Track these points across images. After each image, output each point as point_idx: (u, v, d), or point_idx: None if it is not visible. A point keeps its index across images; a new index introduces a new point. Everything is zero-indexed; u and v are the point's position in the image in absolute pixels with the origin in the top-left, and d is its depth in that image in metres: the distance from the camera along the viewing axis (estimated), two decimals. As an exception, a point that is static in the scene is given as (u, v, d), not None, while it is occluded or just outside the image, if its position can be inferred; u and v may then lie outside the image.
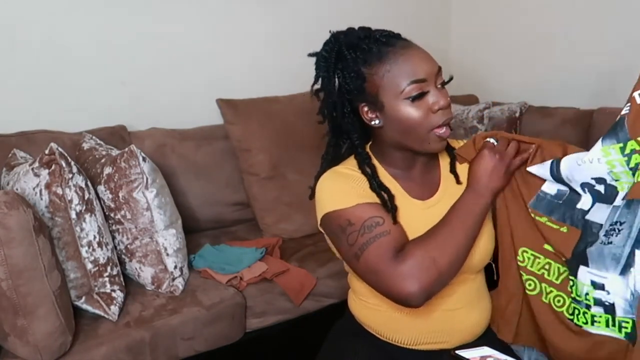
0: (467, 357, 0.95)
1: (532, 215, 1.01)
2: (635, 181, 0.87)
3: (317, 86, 1.05)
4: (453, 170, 1.09)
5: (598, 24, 2.59)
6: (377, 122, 1.01)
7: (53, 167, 1.42)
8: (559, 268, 1.01)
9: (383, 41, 0.98)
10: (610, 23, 2.55)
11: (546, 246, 1.02)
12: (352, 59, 0.99)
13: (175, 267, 1.64)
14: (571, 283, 0.98)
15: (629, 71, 2.52)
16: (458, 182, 1.08)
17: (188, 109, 2.28)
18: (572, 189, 0.98)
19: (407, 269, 0.89)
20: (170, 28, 2.22)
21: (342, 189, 1.02)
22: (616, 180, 0.91)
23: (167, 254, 1.63)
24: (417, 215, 1.03)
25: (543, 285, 1.03)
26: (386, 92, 0.97)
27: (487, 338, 1.10)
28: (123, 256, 1.64)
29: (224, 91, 2.29)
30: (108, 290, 1.52)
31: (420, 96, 0.96)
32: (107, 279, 1.52)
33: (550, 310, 1.02)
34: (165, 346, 1.50)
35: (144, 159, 1.59)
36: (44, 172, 1.42)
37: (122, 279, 1.58)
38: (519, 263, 1.05)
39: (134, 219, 1.59)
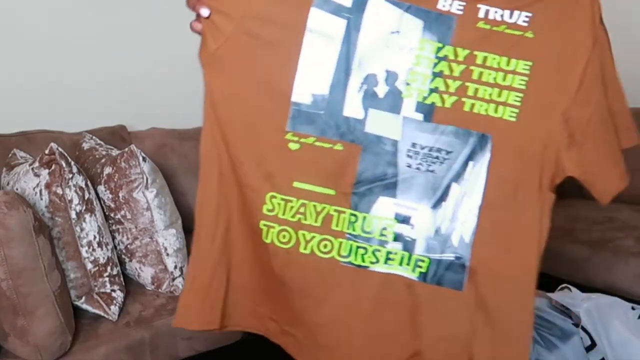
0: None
1: (292, 141, 0.84)
2: (441, 105, 0.81)
3: None
4: None
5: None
6: None
7: (53, 167, 1.42)
8: (315, 206, 0.85)
9: None
10: (610, 23, 2.55)
11: (296, 184, 0.85)
12: None
13: (176, 267, 1.64)
14: (350, 219, 0.85)
15: (629, 71, 2.52)
16: None
17: (188, 109, 2.28)
18: (336, 89, 0.83)
19: None
20: (171, 28, 2.22)
21: None
22: (408, 84, 0.82)
23: (167, 254, 1.63)
24: None
25: (301, 232, 0.86)
26: None
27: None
28: (123, 256, 1.64)
29: (224, 91, 2.29)
30: (108, 290, 1.52)
31: None
32: (107, 279, 1.52)
33: (307, 263, 0.86)
34: (165, 346, 1.50)
35: (144, 159, 1.59)
36: (44, 172, 1.42)
37: (122, 279, 1.58)
38: (267, 213, 0.86)
39: (134, 219, 1.59)
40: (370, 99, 0.83)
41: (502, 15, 0.81)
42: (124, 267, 1.66)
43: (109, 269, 1.52)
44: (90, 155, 1.73)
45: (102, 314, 1.47)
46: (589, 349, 1.30)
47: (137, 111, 2.16)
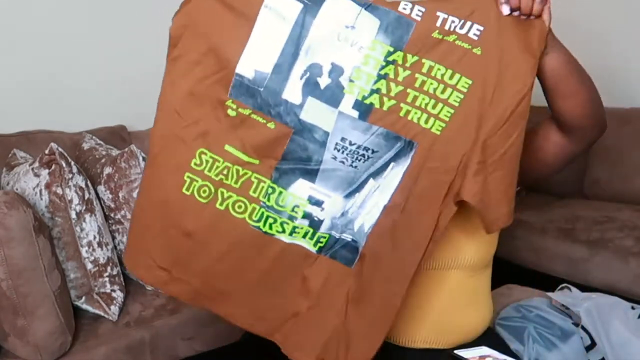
0: (465, 357, 0.96)
1: (231, 108, 0.88)
2: (379, 107, 0.84)
3: None
4: None
5: (598, 24, 2.59)
6: None
7: (53, 167, 1.42)
8: (238, 170, 0.90)
9: None
10: (610, 23, 2.55)
11: (227, 147, 0.89)
12: None
13: (175, 267, 1.64)
14: (268, 190, 0.90)
15: (629, 71, 2.53)
16: None
17: (188, 109, 2.29)
18: (279, 70, 0.85)
19: None
20: (170, 28, 2.22)
21: None
22: (351, 81, 0.84)
23: (167, 254, 1.63)
24: None
25: (220, 190, 0.90)
26: None
27: (486, 338, 1.10)
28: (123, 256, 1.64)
29: (224, 91, 2.30)
30: (108, 290, 1.52)
31: None
32: (107, 279, 1.52)
33: (220, 218, 0.91)
34: (165, 346, 1.50)
35: (144, 159, 1.59)
36: (44, 172, 1.42)
37: (122, 279, 1.58)
38: (194, 167, 0.91)
39: (134, 219, 1.59)
40: (311, 87, 0.85)
41: (456, 25, 0.82)
42: (124, 267, 1.66)
43: (109, 269, 1.52)
44: (90, 155, 1.73)
45: (102, 314, 1.47)
46: (589, 348, 1.30)
47: (137, 111, 2.15)
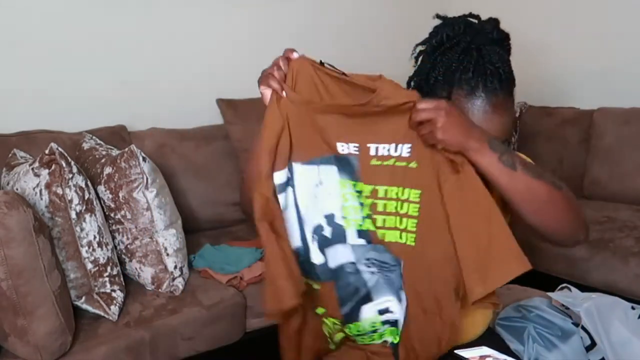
0: (466, 356, 0.95)
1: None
2: (374, 230, 0.92)
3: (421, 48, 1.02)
4: None
5: (598, 24, 2.59)
6: None
7: (53, 167, 1.42)
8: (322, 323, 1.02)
9: (489, 88, 0.92)
10: (610, 23, 2.55)
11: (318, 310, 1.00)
12: (458, 66, 0.94)
13: (175, 267, 1.64)
14: (345, 329, 1.00)
15: (629, 71, 2.53)
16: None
17: (188, 109, 2.28)
18: (304, 245, 0.95)
19: None
20: (171, 28, 2.22)
21: None
22: (344, 218, 0.93)
23: (167, 254, 1.63)
24: None
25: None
26: None
27: (486, 338, 1.10)
28: (123, 256, 1.64)
29: (224, 91, 2.30)
30: (108, 290, 1.52)
31: None
32: (107, 279, 1.52)
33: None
34: (165, 346, 1.50)
35: (144, 159, 1.59)
36: (44, 172, 1.42)
37: (122, 279, 1.58)
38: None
39: (134, 219, 1.59)
40: (323, 243, 0.94)
41: (389, 150, 0.91)
42: (124, 267, 1.66)
43: (109, 269, 1.52)
44: (90, 155, 1.73)
45: (102, 314, 1.47)
46: (589, 348, 1.30)
47: (137, 111, 2.16)
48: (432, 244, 0.91)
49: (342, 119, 0.90)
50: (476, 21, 0.99)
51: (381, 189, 0.92)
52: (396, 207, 0.92)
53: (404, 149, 0.90)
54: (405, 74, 1.05)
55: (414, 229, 0.92)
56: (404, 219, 0.92)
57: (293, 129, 0.90)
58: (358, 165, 0.92)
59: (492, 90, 0.92)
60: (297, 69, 0.91)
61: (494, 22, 0.98)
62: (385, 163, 0.91)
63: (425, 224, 0.91)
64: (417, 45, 1.03)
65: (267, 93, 0.91)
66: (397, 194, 0.92)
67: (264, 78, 0.91)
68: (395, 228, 0.93)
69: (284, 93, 0.90)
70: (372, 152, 0.91)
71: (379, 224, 0.93)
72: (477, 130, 0.87)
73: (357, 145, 0.92)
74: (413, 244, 0.92)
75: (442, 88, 0.95)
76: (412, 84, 1.02)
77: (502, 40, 0.97)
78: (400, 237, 0.93)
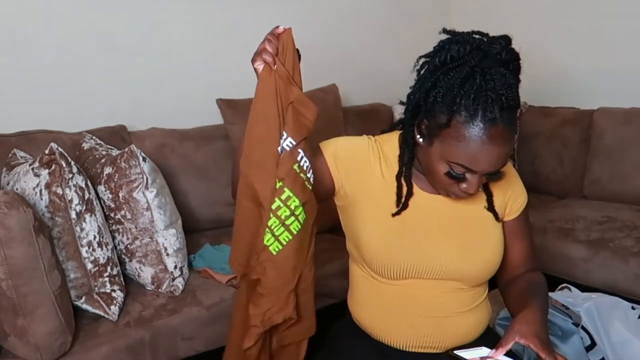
0: (465, 357, 0.95)
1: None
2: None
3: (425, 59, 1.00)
4: (491, 208, 1.09)
5: (598, 24, 2.59)
6: (420, 140, 1.00)
7: (53, 167, 1.42)
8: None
9: (488, 117, 0.89)
10: (610, 23, 2.55)
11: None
12: (459, 90, 0.90)
13: (175, 267, 1.64)
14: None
15: (629, 71, 2.53)
16: (497, 219, 1.10)
17: (188, 109, 2.28)
18: None
19: None
20: (171, 28, 2.22)
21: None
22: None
23: (167, 254, 1.63)
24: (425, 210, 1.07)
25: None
26: (443, 141, 0.94)
27: (486, 338, 1.10)
28: (123, 256, 1.64)
29: (224, 91, 2.29)
30: (108, 290, 1.52)
31: (459, 175, 0.96)
32: (107, 279, 1.52)
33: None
34: (165, 346, 1.50)
35: (144, 159, 1.59)
36: (44, 172, 1.42)
37: (122, 279, 1.58)
38: None
39: (134, 219, 1.59)
40: None
41: (308, 167, 0.96)
42: (124, 267, 1.66)
43: (109, 269, 1.52)
44: (90, 155, 1.73)
45: (102, 314, 1.47)
46: (589, 348, 1.30)
47: (137, 111, 2.16)
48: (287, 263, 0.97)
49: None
50: (485, 39, 0.94)
51: (286, 192, 0.94)
52: (286, 216, 0.95)
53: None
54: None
55: (285, 242, 0.96)
56: (282, 229, 0.95)
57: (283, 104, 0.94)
58: (280, 158, 0.94)
59: (491, 120, 0.89)
60: (285, 44, 0.94)
61: (504, 41, 0.93)
62: (302, 175, 0.94)
63: (295, 246, 0.98)
64: (420, 57, 1.00)
65: (261, 69, 0.93)
66: (296, 207, 0.95)
67: (257, 54, 0.93)
68: (271, 231, 0.96)
69: (275, 67, 0.92)
70: (299, 158, 0.94)
71: (270, 222, 0.96)
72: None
73: (293, 142, 0.94)
74: (275, 253, 0.96)
75: (441, 111, 0.92)
76: (412, 98, 1.00)
77: (510, 62, 0.92)
78: (268, 241, 0.96)
